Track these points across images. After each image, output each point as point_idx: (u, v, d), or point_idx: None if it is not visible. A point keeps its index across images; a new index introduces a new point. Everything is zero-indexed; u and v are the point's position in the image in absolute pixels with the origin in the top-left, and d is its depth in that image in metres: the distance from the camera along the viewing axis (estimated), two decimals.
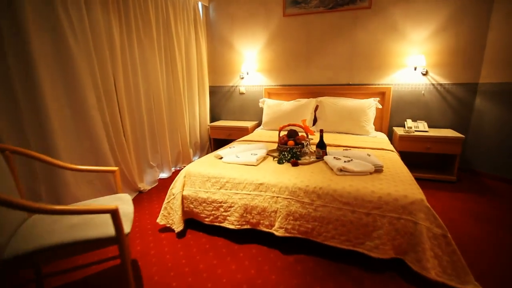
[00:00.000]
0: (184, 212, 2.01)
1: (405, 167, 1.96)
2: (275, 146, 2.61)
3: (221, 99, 4.23)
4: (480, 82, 3.08)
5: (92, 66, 2.26)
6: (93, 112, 2.26)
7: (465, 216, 2.21)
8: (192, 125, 3.89)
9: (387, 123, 3.45)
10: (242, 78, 4.01)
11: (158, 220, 2.06)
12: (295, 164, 1.98)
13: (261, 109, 3.87)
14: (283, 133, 2.54)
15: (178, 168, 3.62)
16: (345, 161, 1.88)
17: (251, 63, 3.85)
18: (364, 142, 2.79)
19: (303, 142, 2.22)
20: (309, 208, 1.66)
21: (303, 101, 3.52)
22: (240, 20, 3.87)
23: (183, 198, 2.01)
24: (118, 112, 2.56)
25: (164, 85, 3.26)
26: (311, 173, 1.84)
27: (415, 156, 3.21)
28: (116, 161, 2.52)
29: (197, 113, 3.91)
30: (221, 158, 2.19)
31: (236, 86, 4.09)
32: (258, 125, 3.99)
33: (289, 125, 2.32)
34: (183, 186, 2.03)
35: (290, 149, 2.15)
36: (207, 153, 4.05)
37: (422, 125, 3.16)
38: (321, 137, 2.13)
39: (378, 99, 3.35)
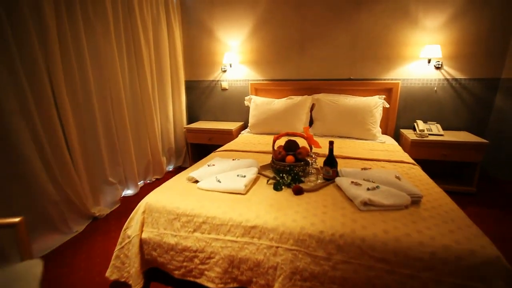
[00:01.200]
0: (144, 262, 1.43)
1: (444, 192, 1.47)
2: (267, 158, 2.06)
3: (199, 96, 3.61)
4: (502, 78, 2.66)
5: (10, 60, 1.60)
6: (13, 119, 1.60)
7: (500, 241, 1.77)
8: (164, 128, 3.25)
9: (393, 124, 2.98)
10: (225, 71, 3.40)
11: (107, 274, 1.46)
12: (298, 192, 1.43)
13: (247, 108, 3.30)
14: (278, 142, 1.98)
15: (149, 181, 2.99)
16: (368, 188, 1.36)
17: (235, 54, 3.24)
18: (373, 150, 2.29)
19: (306, 158, 1.68)
20: (325, 265, 1.13)
21: (297, 98, 2.97)
22: (222, 2, 3.24)
23: (142, 242, 1.42)
24: (58, 119, 1.90)
25: (126, 81, 2.60)
26: (324, 207, 1.30)
27: (426, 163, 2.76)
28: (55, 182, 1.87)
29: (170, 113, 3.27)
30: (197, 181, 1.60)
31: (218, 80, 3.48)
32: (244, 127, 3.41)
33: (286, 133, 1.77)
34: (142, 225, 1.43)
35: (290, 169, 1.61)
36: (184, 161, 3.44)
37: (436, 128, 2.71)
38: (331, 151, 1.60)
39: (384, 96, 2.86)
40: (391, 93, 2.90)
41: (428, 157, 2.53)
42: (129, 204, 2.48)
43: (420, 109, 2.93)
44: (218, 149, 2.39)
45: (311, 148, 1.73)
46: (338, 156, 2.01)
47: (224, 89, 3.47)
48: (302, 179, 1.59)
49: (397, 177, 1.46)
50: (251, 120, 3.05)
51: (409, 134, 2.73)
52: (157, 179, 3.07)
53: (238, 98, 3.44)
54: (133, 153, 2.64)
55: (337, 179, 1.53)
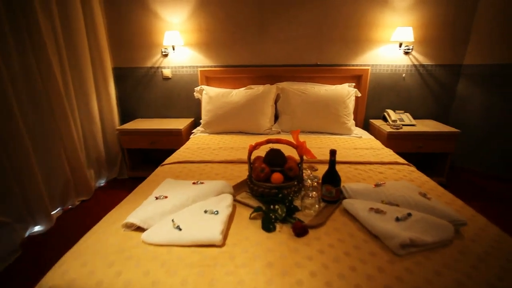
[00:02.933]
0: None
1: (471, 208, 1.18)
2: (238, 172, 1.56)
3: (135, 88, 2.83)
4: (464, 64, 2.60)
5: None
6: None
7: None
8: (88, 132, 2.44)
9: (362, 115, 2.74)
10: (166, 55, 2.70)
11: None
12: (303, 233, 0.97)
13: (198, 101, 2.69)
14: (255, 153, 1.48)
15: (71, 207, 2.20)
16: (398, 218, 0.97)
17: (178, 34, 2.56)
18: (357, 149, 1.98)
19: (300, 173, 1.22)
20: None
21: (259, 88, 2.48)
22: None
23: None
24: None
25: (15, 70, 1.75)
26: (347, 257, 0.88)
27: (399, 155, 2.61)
28: None
29: (95, 111, 2.47)
30: (139, 227, 1.00)
31: (157, 67, 2.75)
32: (195, 124, 2.80)
33: (267, 141, 1.28)
34: None
35: (283, 196, 1.14)
36: (119, 172, 2.69)
37: (407, 117, 2.55)
38: (333, 163, 1.17)
39: (353, 84, 2.59)
40: (361, 80, 2.63)
41: (405, 150, 2.34)
42: (38, 248, 1.71)
43: (389, 98, 2.75)
44: (166, 162, 1.78)
45: (301, 160, 1.29)
46: (323, 161, 1.62)
47: (167, 78, 2.77)
48: (295, 204, 1.14)
49: (423, 194, 1.12)
50: (204, 117, 2.47)
51: (382, 125, 2.52)
52: (83, 201, 2.29)
53: (185, 89, 2.79)
54: (38, 173, 1.83)
55: (347, 204, 1.12)
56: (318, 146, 2.05)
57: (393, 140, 2.35)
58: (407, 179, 1.45)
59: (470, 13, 2.46)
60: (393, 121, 2.52)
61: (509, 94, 2.38)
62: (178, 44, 2.58)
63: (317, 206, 1.15)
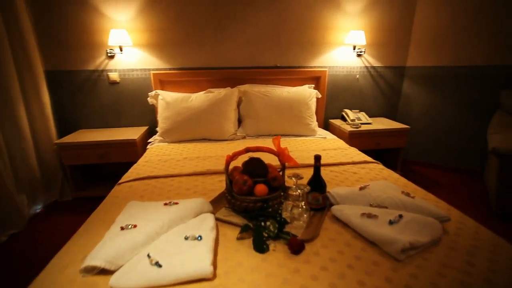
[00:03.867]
0: None
1: (443, 201, 1.25)
2: (211, 185, 1.42)
3: (75, 94, 2.44)
4: (407, 66, 2.85)
5: None
6: None
7: None
8: (16, 150, 2.02)
9: (322, 116, 2.81)
10: (112, 56, 2.38)
11: None
12: (299, 249, 0.89)
13: (152, 108, 2.45)
14: (232, 163, 1.35)
15: None
16: (391, 221, 0.96)
17: (126, 33, 2.28)
18: (326, 150, 1.99)
19: (282, 182, 1.14)
20: None
21: (221, 92, 2.35)
22: None
23: None
24: None
25: None
26: (351, 270, 0.82)
27: None
28: None
29: (24, 124, 2.05)
30: (104, 270, 0.80)
31: (102, 70, 2.42)
32: (150, 133, 2.53)
33: (246, 150, 1.17)
34: None
35: (273, 210, 1.04)
36: (61, 194, 2.30)
37: (363, 116, 2.69)
38: (317, 169, 1.12)
39: (313, 85, 2.64)
40: (319, 82, 2.69)
41: (365, 147, 2.42)
42: None
43: (345, 98, 2.87)
44: (124, 179, 1.53)
45: (283, 168, 1.21)
46: (299, 166, 1.57)
47: (114, 82, 2.46)
48: (288, 221, 1.05)
49: (406, 194, 1.14)
50: (162, 125, 2.24)
51: (342, 125, 2.61)
52: (13, 235, 1.86)
53: (136, 94, 2.50)
54: None
55: (336, 211, 1.07)
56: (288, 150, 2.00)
57: (354, 139, 2.45)
58: (381, 178, 1.49)
59: (410, 19, 2.70)
60: (352, 120, 2.63)
61: (446, 92, 2.68)
62: (126, 44, 2.30)
63: (305, 215, 1.08)
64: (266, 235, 0.95)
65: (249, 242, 0.95)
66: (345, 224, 1.04)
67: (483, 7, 2.35)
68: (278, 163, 1.22)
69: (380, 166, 1.69)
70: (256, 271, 0.82)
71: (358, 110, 2.79)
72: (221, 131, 2.26)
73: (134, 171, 1.63)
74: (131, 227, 0.94)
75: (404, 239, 0.86)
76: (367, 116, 2.68)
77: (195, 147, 2.06)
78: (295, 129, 2.39)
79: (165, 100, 2.25)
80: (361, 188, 1.17)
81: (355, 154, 1.89)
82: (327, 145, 2.12)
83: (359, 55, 2.72)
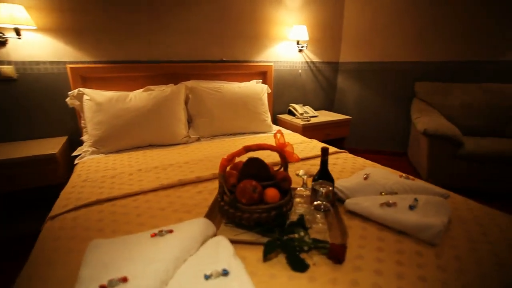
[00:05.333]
0: None
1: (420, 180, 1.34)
2: (187, 197, 1.16)
3: None
4: (340, 61, 3.09)
5: None
6: None
7: None
8: None
9: (270, 111, 2.75)
10: (3, 42, 1.73)
11: None
12: (342, 258, 0.77)
13: (72, 111, 1.92)
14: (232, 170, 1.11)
15: None
16: (411, 206, 0.94)
17: (24, 10, 1.67)
18: (295, 145, 1.92)
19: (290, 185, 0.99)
20: None
21: (166, 89, 2.01)
22: None
23: None
24: None
25: None
26: (408, 271, 0.75)
27: None
28: None
29: None
30: None
31: None
32: (72, 144, 1.96)
33: (246, 149, 0.96)
34: None
35: (300, 220, 0.89)
36: None
37: (309, 110, 2.77)
38: (325, 163, 1.02)
39: (261, 80, 2.56)
40: (266, 77, 2.63)
41: (317, 139, 2.52)
42: None
43: (290, 93, 2.90)
44: (58, 210, 1.09)
45: (286, 166, 1.06)
46: (277, 163, 1.45)
47: (7, 79, 1.79)
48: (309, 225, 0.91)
49: (406, 177, 1.15)
50: (94, 132, 1.75)
51: (293, 119, 2.62)
52: None
53: (47, 94, 1.90)
54: None
55: (351, 205, 1.00)
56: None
57: (307, 132, 2.48)
58: (360, 165, 1.51)
59: (340, 17, 2.92)
60: (301, 114, 2.67)
61: (373, 85, 3.01)
62: (25, 27, 1.69)
63: (318, 216, 0.97)
64: (298, 248, 0.79)
65: (278, 261, 0.77)
66: (364, 218, 0.97)
67: (398, 10, 2.72)
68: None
69: (349, 154, 1.74)
70: None
71: (302, 104, 2.87)
72: (171, 134, 1.93)
73: (71, 196, 1.19)
74: (119, 283, 0.62)
75: (437, 223, 0.84)
76: (312, 110, 2.78)
77: (145, 156, 1.69)
78: (252, 126, 2.26)
79: (95, 101, 1.77)
80: (365, 178, 1.13)
81: (321, 145, 1.89)
82: (290, 139, 2.07)
83: (300, 51, 2.78)
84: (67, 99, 1.81)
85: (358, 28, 2.90)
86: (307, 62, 2.88)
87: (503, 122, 2.41)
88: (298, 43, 2.69)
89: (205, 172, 1.40)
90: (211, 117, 2.13)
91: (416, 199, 0.97)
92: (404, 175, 1.18)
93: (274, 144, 1.02)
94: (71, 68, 1.88)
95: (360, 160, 1.61)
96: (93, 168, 1.50)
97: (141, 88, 2.05)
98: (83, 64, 1.95)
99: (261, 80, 2.55)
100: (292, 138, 2.10)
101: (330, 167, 1.49)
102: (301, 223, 0.87)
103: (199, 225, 0.83)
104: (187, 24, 2.21)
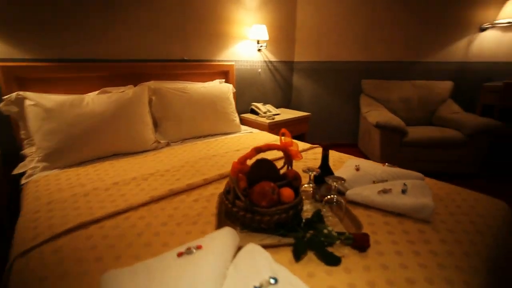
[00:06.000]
0: None
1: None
2: (186, 207, 1.09)
3: None
4: (295, 61, 3.24)
5: None
6: None
7: None
8: None
9: None
10: None
11: None
12: (366, 246, 0.82)
13: (7, 120, 1.59)
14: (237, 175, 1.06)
15: None
16: (403, 191, 1.05)
17: None
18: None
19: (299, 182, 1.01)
20: None
21: (128, 91, 1.82)
22: None
23: None
24: None
25: None
26: (423, 247, 0.84)
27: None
28: None
29: None
30: None
31: None
32: (10, 161, 1.62)
33: (256, 150, 0.95)
34: None
35: (317, 215, 0.90)
36: None
37: (272, 108, 2.85)
38: (326, 158, 1.08)
39: (223, 80, 2.52)
40: (228, 76, 2.60)
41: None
42: None
43: (251, 92, 2.92)
44: (28, 244, 0.90)
45: (291, 163, 1.08)
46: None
47: None
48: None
49: (389, 165, 1.28)
50: (45, 143, 1.47)
51: (258, 118, 2.65)
52: None
53: None
54: None
55: (353, 195, 1.07)
56: (225, 150, 1.79)
57: (273, 130, 2.54)
58: (336, 158, 1.62)
59: (294, 18, 3.06)
60: (264, 112, 2.72)
61: (325, 83, 3.24)
62: None
63: (324, 210, 1.02)
64: (326, 243, 0.82)
65: (309, 259, 0.79)
66: (365, 206, 1.06)
67: (345, 14, 2.98)
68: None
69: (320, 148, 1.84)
70: (364, 285, 0.69)
71: (263, 103, 2.92)
72: (140, 141, 1.76)
73: (37, 225, 0.98)
74: None
75: (430, 203, 0.97)
76: (274, 108, 2.86)
77: (114, 167, 1.50)
78: (221, 127, 2.20)
79: (43, 107, 1.49)
80: (357, 169, 1.22)
81: (295, 143, 1.96)
82: (263, 139, 2.09)
83: (259, 50, 2.82)
84: (1, 105, 1.48)
85: (310, 30, 3.09)
86: (265, 62, 2.93)
87: (430, 113, 2.87)
88: (258, 42, 2.72)
89: (193, 178, 1.32)
90: (179, 120, 2.00)
91: (405, 184, 1.09)
92: (386, 164, 1.31)
93: (272, 143, 1.02)
94: (1, 67, 1.54)
95: (335, 154, 1.73)
96: (53, 187, 1.27)
97: (95, 90, 1.81)
98: (17, 62, 1.62)
99: (224, 80, 2.51)
100: (263, 137, 2.12)
101: (311, 163, 1.58)
102: (319, 218, 0.90)
103: (227, 235, 0.78)
104: (147, 20, 2.03)
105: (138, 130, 1.76)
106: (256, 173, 0.97)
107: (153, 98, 2.01)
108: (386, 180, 1.16)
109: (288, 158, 1.06)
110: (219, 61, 2.54)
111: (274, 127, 2.55)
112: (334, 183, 0.94)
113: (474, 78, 2.95)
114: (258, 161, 0.99)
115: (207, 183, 1.29)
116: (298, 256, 0.78)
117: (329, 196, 0.97)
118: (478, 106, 2.75)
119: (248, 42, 2.69)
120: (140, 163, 1.55)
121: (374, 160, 2.65)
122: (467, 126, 2.37)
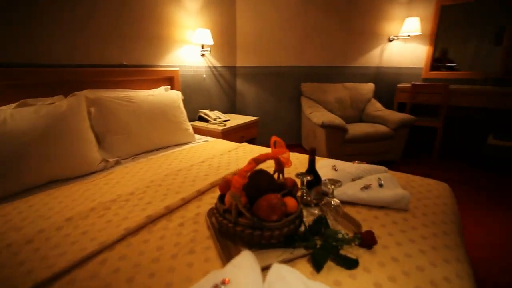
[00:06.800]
0: None
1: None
2: (173, 234, 0.98)
3: None
4: (237, 66, 3.23)
5: None
6: None
7: None
8: None
9: None
10: None
11: None
12: (373, 243, 0.86)
13: None
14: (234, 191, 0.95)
15: None
16: (381, 185, 1.16)
17: None
18: (229, 152, 1.89)
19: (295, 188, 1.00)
20: None
21: (60, 103, 1.50)
22: None
23: None
24: None
25: None
26: (415, 234, 0.94)
27: None
28: None
29: None
30: None
31: None
32: None
33: (256, 161, 0.89)
34: None
35: (321, 219, 0.90)
36: None
37: (220, 114, 2.78)
38: (312, 162, 1.10)
39: (169, 87, 2.34)
40: (173, 83, 2.42)
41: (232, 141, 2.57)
42: None
43: (196, 98, 2.79)
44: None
45: (282, 171, 1.06)
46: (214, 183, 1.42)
47: None
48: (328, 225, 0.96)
49: (359, 162, 1.39)
50: None
51: (208, 126, 2.54)
52: None
53: None
54: None
55: (340, 195, 1.12)
56: (188, 163, 1.66)
57: (225, 137, 2.47)
58: (302, 159, 1.68)
59: (234, 24, 3.05)
60: (214, 119, 2.63)
61: (268, 87, 3.34)
62: None
63: (316, 212, 1.04)
64: (340, 247, 0.83)
65: (328, 267, 0.78)
66: (350, 203, 1.12)
67: (281, 21, 3.13)
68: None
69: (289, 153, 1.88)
70: (387, 281, 0.72)
71: (209, 110, 2.83)
72: (83, 162, 1.47)
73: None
74: None
75: (406, 193, 1.09)
76: (222, 114, 2.79)
77: (56, 199, 1.20)
78: (175, 138, 2.03)
79: None
80: (335, 169, 1.28)
81: (256, 148, 1.96)
82: (222, 147, 2.00)
83: (202, 55, 2.71)
84: None
85: (249, 36, 3.13)
86: (209, 67, 2.84)
87: (360, 111, 3.28)
88: (203, 47, 2.61)
89: (168, 199, 1.17)
90: (127, 134, 1.75)
91: (379, 178, 1.20)
92: (356, 161, 1.42)
93: (269, 151, 0.99)
94: None
95: (302, 156, 1.79)
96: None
97: (9, 103, 1.43)
98: None
99: (169, 87, 2.32)
100: (222, 145, 2.04)
101: (264, 165, 1.59)
102: (324, 223, 0.91)
103: (250, 261, 0.71)
104: (77, 18, 1.71)
105: (79, 149, 1.46)
106: (255, 186, 0.92)
107: (92, 109, 1.70)
108: (362, 177, 1.25)
109: (280, 166, 1.04)
110: (162, 66, 2.34)
111: (226, 134, 2.49)
112: (332, 186, 0.97)
113: (388, 80, 3.49)
114: (256, 172, 0.94)
115: (185, 202, 1.16)
116: (320, 266, 0.77)
117: (326, 200, 0.99)
118: (394, 104, 3.27)
119: (191, 46, 2.55)
120: (91, 189, 1.29)
121: (320, 157, 2.88)
122: (392, 121, 2.79)
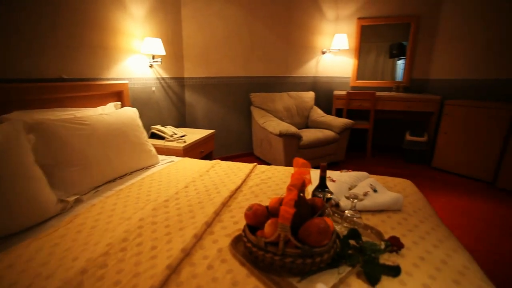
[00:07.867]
0: None
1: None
2: (195, 272, 0.88)
3: None
4: (185, 77, 3.05)
5: None
6: None
7: None
8: None
9: None
10: None
11: None
12: (401, 246, 0.95)
13: None
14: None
15: None
16: (375, 190, 1.28)
17: None
18: (207, 171, 1.77)
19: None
20: None
21: None
22: None
23: None
24: None
25: None
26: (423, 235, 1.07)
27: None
28: None
29: None
30: None
31: None
32: None
33: (295, 187, 0.87)
34: None
35: (354, 232, 0.93)
36: None
37: (175, 130, 2.58)
38: (323, 179, 1.13)
39: (119, 103, 2.06)
40: (122, 98, 2.14)
41: (195, 158, 2.43)
42: None
43: (146, 113, 2.51)
44: None
45: (303, 190, 1.06)
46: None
47: None
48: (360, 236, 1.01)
49: (346, 171, 1.49)
50: None
51: (166, 143, 2.32)
52: None
53: None
54: None
55: (346, 206, 1.20)
56: (172, 191, 1.49)
57: (187, 154, 2.31)
58: (281, 173, 1.71)
59: (180, 34, 2.87)
60: (171, 135, 2.43)
61: (217, 98, 3.26)
62: None
63: (343, 219, 1.09)
64: (377, 258, 0.89)
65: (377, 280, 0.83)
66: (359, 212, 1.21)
67: (227, 33, 3.10)
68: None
69: (264, 166, 1.88)
70: (429, 280, 0.81)
71: (160, 125, 2.59)
72: (35, 206, 1.14)
73: None
74: None
75: (398, 195, 1.24)
76: (176, 129, 2.60)
77: (19, 259, 0.90)
78: (140, 162, 1.78)
79: None
80: (333, 180, 1.35)
81: (232, 164, 1.89)
82: (195, 167, 1.85)
83: (151, 66, 2.46)
84: None
85: (196, 47, 3.01)
86: (158, 79, 2.60)
87: (305, 117, 3.54)
88: (153, 57, 2.37)
89: (178, 239, 1.02)
90: (83, 164, 1.45)
91: (371, 184, 1.34)
92: (344, 170, 1.53)
93: (299, 176, 0.98)
94: None
95: (280, 169, 1.81)
96: None
97: None
98: None
99: (119, 103, 2.03)
100: (194, 164, 1.90)
101: (274, 184, 1.58)
102: (357, 235, 0.95)
103: None
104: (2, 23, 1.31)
105: (26, 191, 1.13)
106: (299, 214, 0.89)
107: (31, 137, 1.34)
108: (356, 185, 1.36)
109: (303, 186, 1.04)
110: (109, 79, 2.02)
111: (187, 151, 2.32)
112: (355, 200, 1.02)
113: (324, 89, 3.88)
114: (298, 200, 0.91)
115: (198, 239, 1.03)
116: (377, 279, 0.80)
117: (349, 212, 1.04)
118: (333, 110, 3.65)
119: (139, 57, 2.29)
120: (61, 244, 1.01)
121: (277, 165, 2.97)
122: (336, 125, 3.11)
